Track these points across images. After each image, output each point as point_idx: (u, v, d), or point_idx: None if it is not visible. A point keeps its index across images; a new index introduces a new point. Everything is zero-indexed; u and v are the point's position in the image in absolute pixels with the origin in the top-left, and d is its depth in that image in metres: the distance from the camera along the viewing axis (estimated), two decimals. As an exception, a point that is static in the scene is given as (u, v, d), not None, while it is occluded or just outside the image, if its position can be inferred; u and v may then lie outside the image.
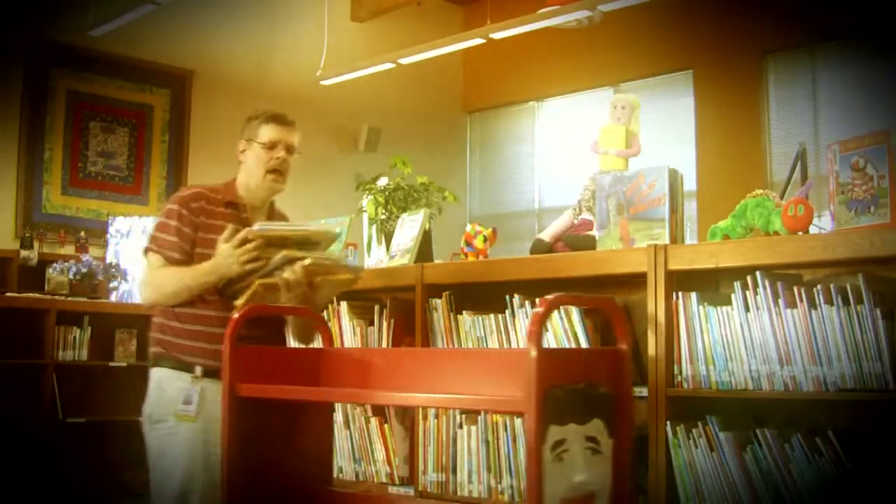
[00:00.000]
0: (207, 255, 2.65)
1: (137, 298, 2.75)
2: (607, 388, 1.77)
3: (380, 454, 3.10)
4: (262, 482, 2.28)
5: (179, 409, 2.60)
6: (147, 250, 2.75)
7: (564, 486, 1.68)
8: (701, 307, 2.41)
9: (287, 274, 2.51)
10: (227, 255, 2.57)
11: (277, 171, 2.75)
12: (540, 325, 1.68)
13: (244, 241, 2.55)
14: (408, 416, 3.05)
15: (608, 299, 1.90)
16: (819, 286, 2.23)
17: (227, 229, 2.61)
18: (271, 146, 2.75)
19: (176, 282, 2.65)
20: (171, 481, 2.59)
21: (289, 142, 2.78)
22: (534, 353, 1.64)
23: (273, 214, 2.87)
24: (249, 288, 2.54)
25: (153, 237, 2.73)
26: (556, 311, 2.66)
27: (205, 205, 2.73)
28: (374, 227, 3.67)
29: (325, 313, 3.41)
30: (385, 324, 3.15)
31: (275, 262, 2.54)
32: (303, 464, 2.39)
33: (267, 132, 2.77)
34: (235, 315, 2.34)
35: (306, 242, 2.60)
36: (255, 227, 2.59)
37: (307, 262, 2.52)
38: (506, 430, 2.71)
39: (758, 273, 2.32)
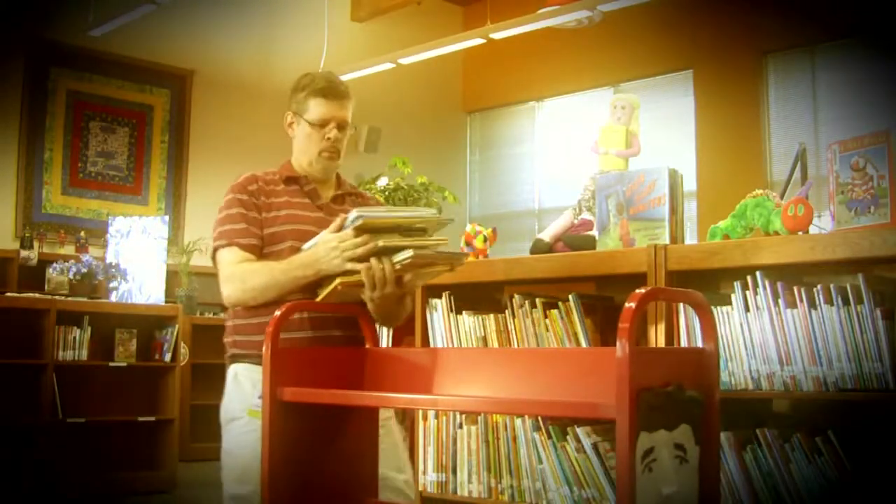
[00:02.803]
0: (279, 234, 2.37)
1: (224, 299, 2.39)
2: (695, 390, 1.61)
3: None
4: (303, 491, 2.11)
5: (254, 404, 2.28)
6: (216, 249, 2.40)
7: (654, 500, 1.51)
8: (701, 307, 2.41)
9: (372, 267, 2.15)
10: (330, 247, 2.20)
11: (331, 151, 2.46)
12: (632, 321, 1.49)
13: (353, 234, 2.18)
14: (407, 416, 3.04)
15: (695, 294, 1.74)
16: (819, 286, 2.23)
17: (337, 218, 2.26)
18: (321, 124, 2.44)
19: (263, 276, 2.31)
20: (241, 485, 2.32)
21: (341, 118, 2.45)
22: (625, 352, 1.46)
23: (342, 185, 2.56)
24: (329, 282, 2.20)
25: (219, 233, 2.39)
26: (556, 311, 2.66)
27: (262, 185, 2.43)
28: (374, 227, 3.67)
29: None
30: (385, 324, 3.15)
31: (364, 252, 2.15)
32: (346, 471, 2.20)
33: (316, 109, 2.44)
34: (278, 313, 2.08)
35: (412, 229, 2.22)
36: (353, 213, 2.19)
37: (407, 255, 2.12)
38: (506, 429, 2.71)
39: (758, 273, 2.32)
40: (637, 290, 1.55)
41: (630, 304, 1.53)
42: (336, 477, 2.17)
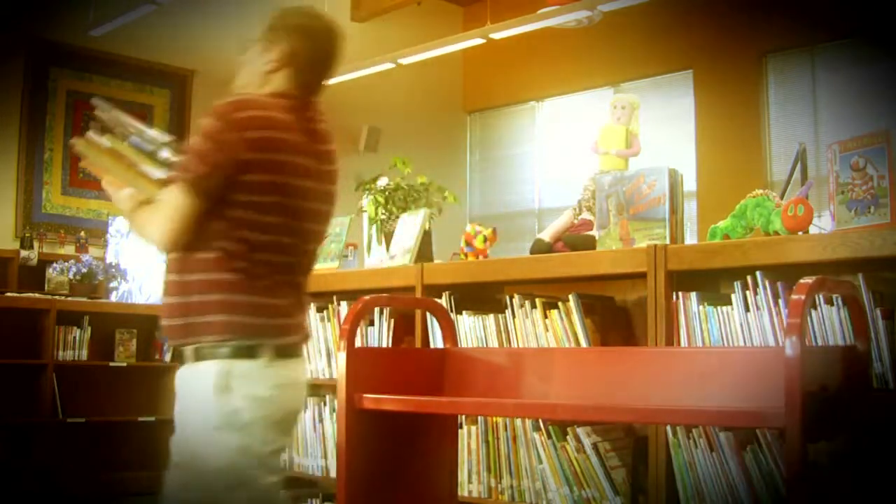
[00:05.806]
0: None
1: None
2: (847, 394, 1.43)
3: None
4: (381, 501, 1.92)
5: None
6: None
7: None
8: (701, 307, 2.41)
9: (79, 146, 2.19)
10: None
11: None
12: (803, 315, 1.30)
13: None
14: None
15: (853, 285, 1.56)
16: (819, 286, 2.22)
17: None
18: None
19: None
20: (186, 491, 2.11)
21: None
22: (796, 351, 1.26)
23: None
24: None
25: None
26: (556, 311, 2.66)
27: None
28: (374, 227, 3.67)
29: (324, 313, 3.41)
30: (385, 324, 3.15)
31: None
32: (425, 481, 2.02)
33: None
34: (360, 306, 1.87)
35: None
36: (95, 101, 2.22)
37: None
38: (505, 429, 2.71)
39: (758, 273, 2.32)
40: (802, 281, 1.36)
41: (799, 297, 1.34)
42: (414, 488, 1.98)
